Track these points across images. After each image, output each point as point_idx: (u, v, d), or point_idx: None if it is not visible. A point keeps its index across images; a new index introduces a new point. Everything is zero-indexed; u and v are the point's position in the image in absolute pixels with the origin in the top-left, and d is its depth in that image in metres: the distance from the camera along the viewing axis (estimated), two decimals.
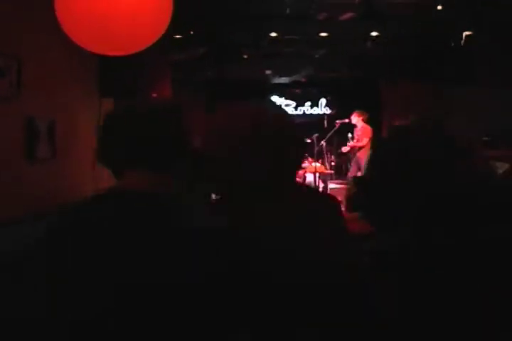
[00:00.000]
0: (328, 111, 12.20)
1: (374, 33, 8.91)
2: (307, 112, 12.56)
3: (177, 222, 1.46)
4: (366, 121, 10.11)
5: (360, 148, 9.87)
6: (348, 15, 8.26)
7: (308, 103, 12.60)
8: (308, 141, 9.35)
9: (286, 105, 12.60)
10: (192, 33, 8.21)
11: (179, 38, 8.62)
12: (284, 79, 11.48)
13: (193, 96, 11.61)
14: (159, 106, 1.70)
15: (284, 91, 12.63)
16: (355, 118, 10.03)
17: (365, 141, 9.85)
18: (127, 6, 3.88)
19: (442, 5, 7.50)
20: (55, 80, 6.07)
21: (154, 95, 7.79)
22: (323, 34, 8.81)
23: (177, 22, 7.98)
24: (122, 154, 1.58)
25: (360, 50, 9.80)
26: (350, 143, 10.14)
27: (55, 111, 6.17)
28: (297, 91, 12.56)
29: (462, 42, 8.91)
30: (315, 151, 9.36)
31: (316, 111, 12.50)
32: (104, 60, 7.32)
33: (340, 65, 10.85)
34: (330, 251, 1.72)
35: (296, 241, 1.62)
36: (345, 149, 10.23)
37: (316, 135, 9.46)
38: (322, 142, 9.70)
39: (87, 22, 3.83)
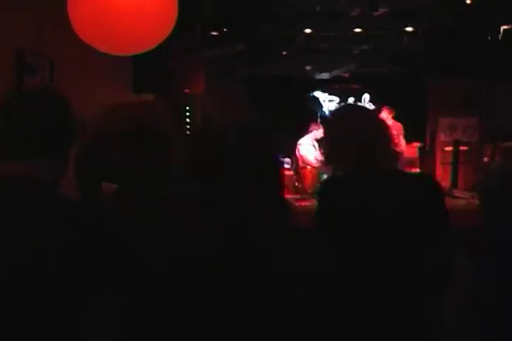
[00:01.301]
0: (371, 106, 12.33)
1: (409, 29, 9.05)
2: None
3: (52, 204, 1.73)
4: (395, 118, 10.26)
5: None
6: (380, 11, 8.46)
7: (352, 99, 12.77)
8: None
9: (330, 101, 12.81)
10: (225, 30, 8.54)
11: (215, 35, 8.98)
12: (324, 75, 11.69)
13: (234, 92, 12.00)
14: (41, 95, 1.92)
15: (327, 87, 12.83)
16: (385, 115, 10.15)
17: (402, 140, 10.00)
18: (133, 7, 4.23)
19: None
20: (87, 77, 6.53)
21: (187, 91, 8.18)
22: (358, 30, 9.01)
23: (212, 19, 8.40)
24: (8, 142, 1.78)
25: (399, 45, 9.95)
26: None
27: (86, 108, 6.62)
28: (340, 86, 12.75)
29: (500, 36, 8.95)
30: None
31: None
32: (138, 57, 7.76)
33: (382, 60, 10.98)
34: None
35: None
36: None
37: None
38: None
39: (94, 21, 4.18)
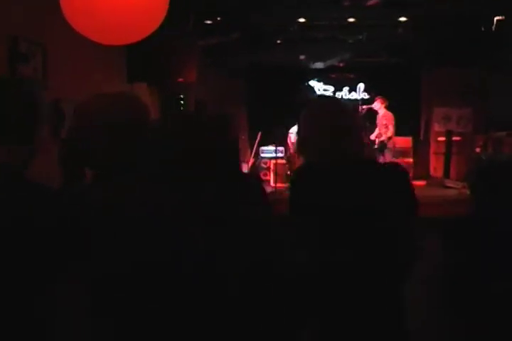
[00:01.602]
0: (366, 96, 12.43)
1: (402, 19, 9.13)
2: (345, 97, 12.83)
3: (21, 189, 1.82)
4: (387, 108, 10.33)
5: (390, 138, 10.09)
6: (374, 1, 8.55)
7: (347, 88, 12.85)
8: None
9: (325, 90, 12.90)
10: (219, 18, 8.61)
11: (209, 24, 9.05)
12: (319, 65, 11.77)
13: (229, 80, 12.08)
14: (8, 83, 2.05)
15: (322, 76, 12.91)
16: (378, 105, 10.25)
17: (391, 128, 10.07)
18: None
19: None
20: (81, 65, 6.61)
21: (181, 80, 8.26)
22: (351, 20, 9.09)
23: (206, 8, 8.48)
24: None
25: (393, 35, 10.03)
26: (378, 133, 10.24)
27: (81, 95, 6.70)
28: (335, 76, 12.83)
29: (493, 27, 9.04)
30: None
31: (354, 96, 12.75)
32: (131, 46, 7.82)
33: (377, 50, 11.07)
34: None
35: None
36: (374, 136, 10.33)
37: None
38: None
39: (86, 11, 4.25)
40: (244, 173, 2.73)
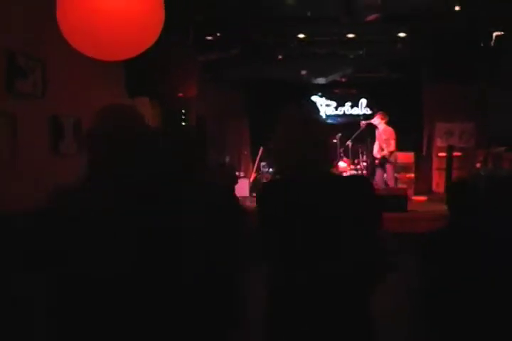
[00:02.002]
0: (368, 111, 12.54)
1: (402, 34, 9.26)
2: (347, 113, 12.95)
3: None
4: (387, 123, 10.40)
5: (392, 152, 10.16)
6: (372, 16, 8.68)
7: (349, 103, 12.97)
8: (335, 140, 9.78)
9: (327, 105, 13.02)
10: (219, 34, 8.76)
11: (209, 40, 9.21)
12: (320, 80, 11.90)
13: (230, 96, 12.21)
14: None
15: (324, 92, 13.04)
16: (377, 120, 10.32)
17: (393, 143, 10.14)
18: (120, 13, 4.43)
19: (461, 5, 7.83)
20: (80, 80, 6.72)
21: (180, 95, 8.40)
22: (350, 35, 9.23)
23: (205, 24, 8.63)
24: None
25: (392, 51, 10.16)
26: (383, 152, 10.30)
27: (80, 110, 6.83)
28: (337, 91, 12.95)
29: (492, 42, 9.15)
30: (338, 151, 9.78)
31: (356, 111, 12.87)
32: (131, 61, 7.96)
33: (377, 65, 11.20)
34: None
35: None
36: (379, 154, 10.39)
37: (339, 135, 9.86)
38: (348, 142, 10.10)
39: (82, 27, 4.37)
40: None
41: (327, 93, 13.06)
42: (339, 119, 12.83)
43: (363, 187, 2.53)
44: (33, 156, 5.43)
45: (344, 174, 9.49)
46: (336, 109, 13.05)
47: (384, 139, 10.19)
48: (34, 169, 5.33)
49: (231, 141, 12.60)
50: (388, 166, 10.10)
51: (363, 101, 12.91)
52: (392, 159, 10.18)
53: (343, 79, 12.28)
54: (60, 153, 6.34)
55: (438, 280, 3.00)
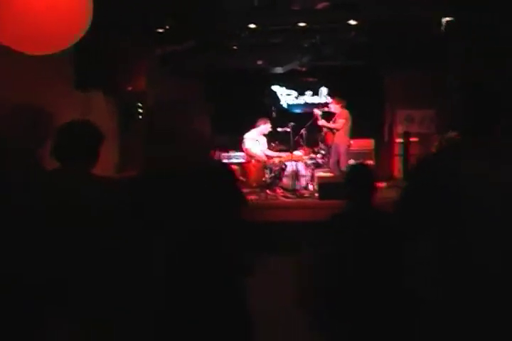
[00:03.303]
0: (329, 99, 12.64)
1: (352, 22, 9.38)
2: (309, 101, 13.06)
3: None
4: (344, 108, 10.46)
5: (337, 130, 10.21)
6: (322, 4, 8.81)
7: (309, 92, 13.08)
8: (288, 129, 9.88)
9: (288, 94, 13.12)
10: (168, 27, 8.83)
11: (161, 32, 9.27)
12: (278, 69, 11.98)
13: (190, 87, 12.26)
14: None
15: (284, 81, 13.12)
16: (333, 106, 10.39)
17: (340, 122, 10.17)
18: (45, 6, 4.49)
19: None
20: (23, 76, 6.76)
21: (129, 88, 8.48)
22: (302, 24, 9.34)
23: (155, 16, 8.69)
24: None
25: (347, 39, 10.28)
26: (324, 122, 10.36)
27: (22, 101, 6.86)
28: (297, 80, 13.03)
29: (442, 28, 9.29)
30: (291, 140, 9.88)
31: (317, 100, 12.98)
32: (80, 55, 8.03)
33: (336, 54, 11.30)
34: None
35: None
36: (321, 123, 10.45)
37: (292, 124, 9.95)
38: (302, 131, 10.20)
39: (8, 21, 4.45)
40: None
41: (287, 82, 13.14)
42: (305, 108, 12.91)
43: (222, 177, 2.63)
44: None
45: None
46: (297, 98, 13.15)
47: (341, 122, 10.21)
48: None
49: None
50: (341, 150, 10.13)
51: (324, 90, 13.02)
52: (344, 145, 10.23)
53: (303, 69, 12.34)
54: None
55: (333, 258, 3.14)
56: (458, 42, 9.18)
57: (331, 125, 10.31)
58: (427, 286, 2.39)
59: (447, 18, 9.24)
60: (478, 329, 2.23)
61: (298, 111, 13.04)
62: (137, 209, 2.48)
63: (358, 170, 3.54)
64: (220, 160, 8.51)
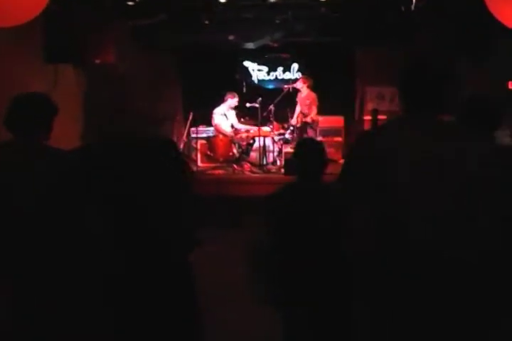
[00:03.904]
0: (300, 76, 12.69)
1: None
2: (279, 77, 13.12)
3: None
4: (311, 88, 10.59)
5: (314, 119, 10.37)
6: None
7: (281, 68, 13.13)
8: (256, 105, 9.98)
9: (259, 70, 13.16)
10: (138, 0, 8.82)
11: (131, 5, 9.24)
12: (249, 45, 11.98)
13: (162, 61, 12.27)
14: None
15: (256, 57, 13.15)
16: (300, 84, 10.53)
17: (314, 110, 10.35)
18: None
19: None
20: None
21: (97, 61, 8.47)
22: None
23: None
24: None
25: (318, 15, 10.31)
26: (305, 118, 10.50)
27: None
28: (269, 56, 13.06)
29: (412, 6, 9.38)
30: (259, 116, 9.99)
31: (288, 76, 13.04)
32: (49, 27, 8.02)
33: (306, 30, 11.32)
34: None
35: None
36: (293, 122, 10.63)
37: (260, 99, 10.05)
38: (270, 107, 10.30)
39: None
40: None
41: (259, 58, 13.17)
42: (276, 84, 12.97)
43: (165, 151, 2.71)
44: None
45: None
46: (268, 74, 13.19)
47: (307, 104, 10.39)
48: None
49: (164, 107, 12.69)
50: (310, 131, 10.30)
51: (295, 66, 13.07)
52: (313, 124, 10.39)
53: (275, 44, 12.36)
54: None
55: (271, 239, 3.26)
56: (427, 20, 9.27)
57: (311, 116, 10.39)
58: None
59: None
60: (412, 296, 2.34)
61: (269, 86, 13.07)
62: (83, 180, 2.57)
63: (306, 145, 3.64)
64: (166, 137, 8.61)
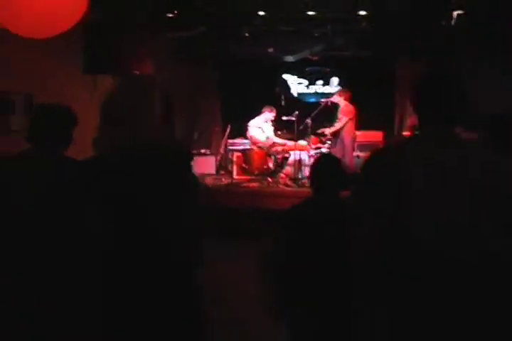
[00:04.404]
0: (339, 90, 12.68)
1: (362, 12, 9.41)
2: (319, 91, 13.12)
3: None
4: (349, 100, 10.52)
5: (342, 128, 10.30)
6: None
7: (320, 82, 13.13)
8: (293, 118, 9.99)
9: (299, 83, 13.19)
10: (176, 12, 8.94)
11: (171, 17, 9.37)
12: (289, 58, 12.02)
13: (202, 74, 12.40)
14: None
15: (296, 70, 13.18)
16: (337, 98, 10.49)
17: (344, 120, 10.25)
18: None
19: None
20: (32, 57, 6.90)
21: (136, 72, 8.58)
22: (311, 13, 9.39)
23: (164, 2, 8.79)
24: None
25: (358, 29, 10.29)
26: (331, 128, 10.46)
27: (31, 86, 7.03)
28: (309, 69, 13.09)
29: (453, 21, 9.31)
30: (296, 129, 9.98)
31: (327, 89, 13.03)
32: (90, 39, 8.17)
33: (348, 44, 11.32)
34: None
35: None
36: (325, 131, 10.57)
37: (296, 113, 10.05)
38: (307, 120, 10.28)
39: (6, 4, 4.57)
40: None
41: (299, 71, 13.19)
42: (315, 98, 12.96)
43: (179, 161, 2.74)
44: None
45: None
46: (308, 88, 13.21)
47: (339, 117, 10.34)
48: None
49: (203, 119, 12.80)
50: (346, 143, 10.21)
51: (335, 80, 13.06)
52: (342, 135, 10.29)
53: (315, 57, 12.39)
54: (9, 130, 6.58)
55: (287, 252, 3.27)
56: (466, 35, 9.20)
57: (335, 128, 10.35)
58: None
59: (458, 11, 9.25)
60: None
61: (309, 100, 13.07)
62: (93, 188, 2.60)
63: (323, 161, 3.65)
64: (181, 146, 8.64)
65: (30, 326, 2.75)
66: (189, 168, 2.78)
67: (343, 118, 10.24)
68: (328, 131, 10.39)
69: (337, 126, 10.30)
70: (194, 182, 2.84)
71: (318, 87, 13.16)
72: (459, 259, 2.27)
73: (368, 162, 2.60)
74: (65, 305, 2.73)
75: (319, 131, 10.49)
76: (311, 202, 3.40)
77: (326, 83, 13.11)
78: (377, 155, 2.63)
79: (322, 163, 3.55)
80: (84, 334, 2.67)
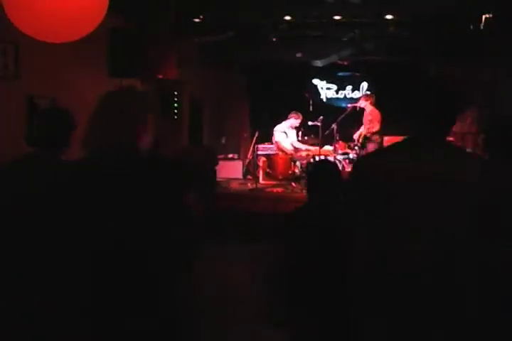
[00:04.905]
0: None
1: (389, 17, 9.38)
2: (348, 96, 13.10)
3: None
4: (374, 105, 10.48)
5: (374, 133, 10.24)
6: None
7: (350, 87, 13.11)
8: (318, 123, 9.98)
9: (328, 88, 13.19)
10: (202, 17, 9.01)
11: (197, 22, 9.46)
12: (316, 63, 12.03)
13: (231, 78, 12.47)
14: None
15: (325, 75, 13.18)
16: (363, 102, 10.43)
17: (377, 125, 10.23)
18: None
19: None
20: (57, 62, 7.01)
21: (160, 77, 8.70)
22: (337, 17, 9.39)
23: (191, 6, 8.87)
24: None
25: (387, 33, 10.25)
26: (363, 130, 10.44)
27: (57, 90, 7.14)
28: (339, 74, 13.08)
29: (481, 25, 9.22)
30: (321, 134, 9.96)
31: (357, 95, 13.00)
32: (114, 42, 8.26)
33: (377, 48, 11.29)
34: None
35: None
36: (355, 136, 10.54)
37: (321, 117, 10.04)
38: (333, 125, 10.25)
39: (24, 7, 4.66)
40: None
41: (328, 76, 13.19)
42: (343, 102, 12.93)
43: (172, 171, 2.70)
44: (10, 136, 5.69)
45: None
46: (337, 93, 13.20)
47: (369, 120, 10.28)
48: (9, 149, 5.63)
49: (231, 124, 12.87)
50: (371, 146, 10.15)
51: (364, 85, 13.03)
52: (373, 138, 10.23)
53: (345, 63, 12.38)
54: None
55: (292, 255, 3.28)
56: (495, 39, 9.10)
57: (369, 130, 10.30)
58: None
59: (487, 15, 9.17)
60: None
61: (339, 105, 13.04)
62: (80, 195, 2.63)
63: (320, 166, 3.66)
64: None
65: (30, 326, 2.80)
66: (179, 181, 2.73)
67: (376, 123, 10.20)
68: (366, 133, 10.32)
69: (374, 129, 10.23)
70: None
71: (347, 92, 13.13)
72: (458, 270, 2.28)
73: (355, 165, 2.63)
74: (63, 304, 2.76)
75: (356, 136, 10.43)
76: (309, 206, 3.42)
77: (356, 88, 13.07)
78: (365, 158, 2.66)
79: (317, 168, 3.59)
80: (82, 334, 2.67)
